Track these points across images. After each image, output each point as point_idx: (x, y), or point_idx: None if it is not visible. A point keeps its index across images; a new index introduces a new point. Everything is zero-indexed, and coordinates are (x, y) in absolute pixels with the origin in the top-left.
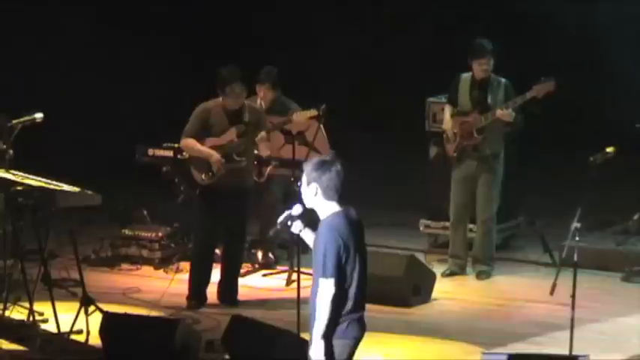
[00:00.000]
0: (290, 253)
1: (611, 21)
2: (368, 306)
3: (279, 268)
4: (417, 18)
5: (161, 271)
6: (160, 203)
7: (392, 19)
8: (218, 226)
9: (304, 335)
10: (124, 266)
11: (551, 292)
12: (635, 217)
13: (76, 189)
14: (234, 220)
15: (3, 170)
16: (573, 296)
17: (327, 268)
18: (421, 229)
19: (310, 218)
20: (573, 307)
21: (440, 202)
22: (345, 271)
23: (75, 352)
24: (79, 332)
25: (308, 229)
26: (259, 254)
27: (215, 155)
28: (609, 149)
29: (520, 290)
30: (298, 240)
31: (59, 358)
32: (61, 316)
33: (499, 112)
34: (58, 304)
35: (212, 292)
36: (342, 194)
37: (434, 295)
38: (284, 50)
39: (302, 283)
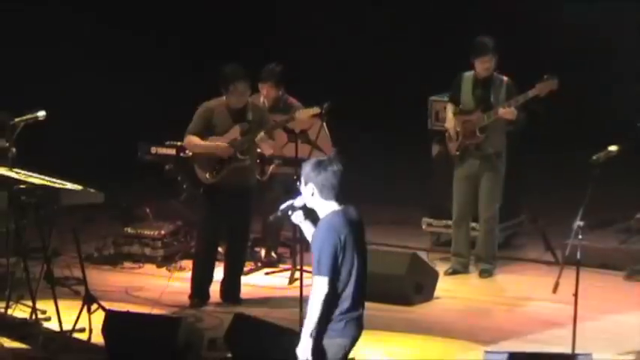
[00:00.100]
0: (293, 251)
1: (612, 19)
2: (370, 304)
3: (282, 266)
4: (419, 17)
5: (164, 269)
6: (162, 201)
7: (392, 17)
8: (221, 224)
9: None
10: (127, 264)
11: (554, 291)
12: (638, 215)
13: (79, 187)
14: (238, 218)
15: (6, 168)
16: (576, 295)
17: (322, 266)
18: (424, 227)
19: (313, 216)
20: (576, 306)
21: (442, 201)
22: (341, 270)
23: (77, 351)
24: (82, 330)
25: (308, 222)
26: (262, 252)
27: (221, 145)
28: (612, 148)
29: (523, 289)
30: (301, 238)
31: (62, 357)
32: (64, 315)
33: (502, 111)
34: (60, 303)
35: (215, 290)
36: (344, 193)
37: (436, 293)
38: (285, 48)
39: (304, 282)
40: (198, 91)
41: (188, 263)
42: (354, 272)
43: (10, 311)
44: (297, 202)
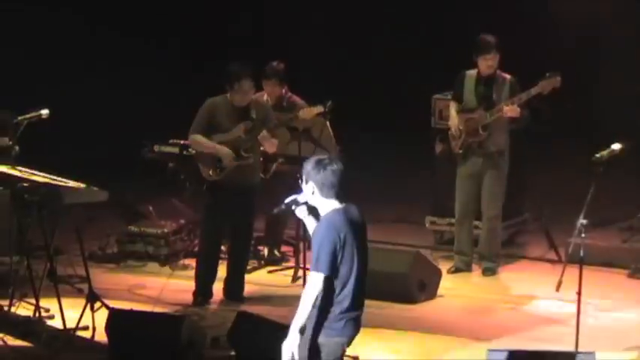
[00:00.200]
0: (296, 249)
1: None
2: (374, 302)
3: (285, 264)
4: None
5: (167, 267)
6: (165, 199)
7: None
8: (225, 222)
9: None
10: (130, 263)
11: (557, 289)
12: None
13: (82, 185)
14: (241, 216)
15: (9, 166)
16: (579, 293)
17: (320, 262)
18: (427, 225)
19: (316, 212)
20: (579, 304)
21: (446, 199)
22: (341, 268)
23: (81, 349)
24: (85, 328)
25: (311, 217)
26: (265, 251)
27: (224, 149)
28: (615, 146)
29: (526, 287)
30: (304, 237)
31: (65, 355)
32: (67, 313)
33: (505, 109)
34: (63, 301)
35: (218, 288)
36: (345, 191)
37: (439, 291)
38: (286, 47)
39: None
40: (200, 90)
41: (191, 261)
42: (354, 271)
43: (13, 309)
44: (301, 197)
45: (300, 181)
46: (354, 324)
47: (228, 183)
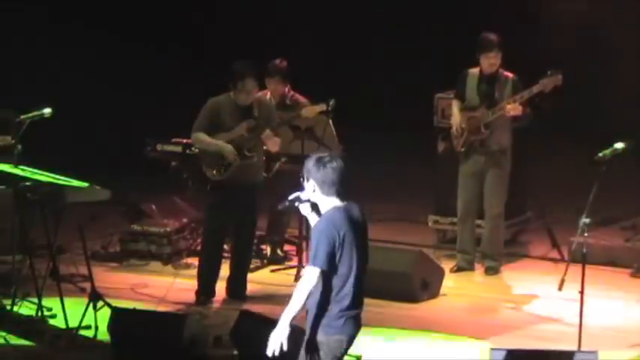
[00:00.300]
0: (299, 248)
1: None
2: (376, 301)
3: (288, 263)
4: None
5: (169, 266)
6: (168, 198)
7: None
8: (227, 221)
9: None
10: (133, 262)
11: (560, 288)
12: None
13: (85, 184)
14: (244, 215)
15: (12, 165)
16: (582, 292)
17: (317, 257)
18: (429, 224)
19: (319, 209)
20: (582, 303)
21: (448, 198)
22: (340, 266)
23: (83, 348)
24: (88, 327)
25: (315, 214)
26: (268, 250)
27: (227, 147)
28: (618, 145)
29: (528, 286)
30: (307, 236)
31: (67, 354)
32: (70, 312)
33: (507, 107)
34: (66, 300)
35: (221, 287)
36: (346, 189)
37: (442, 290)
38: (287, 45)
39: None
40: (203, 88)
41: (194, 260)
42: (353, 270)
43: (16, 308)
44: (304, 194)
45: (301, 179)
46: (354, 322)
47: (231, 182)
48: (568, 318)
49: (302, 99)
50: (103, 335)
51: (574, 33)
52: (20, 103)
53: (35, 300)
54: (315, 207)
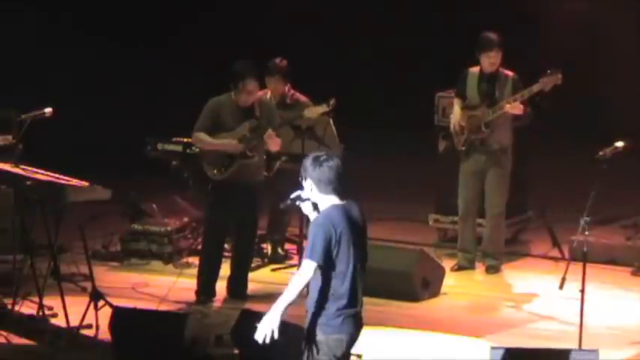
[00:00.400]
0: (299, 247)
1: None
2: (377, 300)
3: (289, 262)
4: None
5: (170, 265)
6: (168, 198)
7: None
8: (228, 220)
9: None
10: (134, 261)
11: (561, 287)
12: None
13: (86, 183)
14: (245, 215)
15: (12, 165)
16: (583, 291)
17: (313, 251)
18: (430, 223)
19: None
20: (582, 302)
21: (449, 197)
22: (337, 264)
23: (84, 347)
24: (89, 327)
25: (316, 213)
26: (268, 249)
27: (231, 142)
28: (618, 143)
29: (529, 284)
30: (307, 235)
31: (68, 353)
32: (71, 311)
33: (507, 106)
34: (67, 299)
35: (222, 286)
36: (344, 187)
37: (443, 289)
38: (286, 44)
39: None
40: (204, 88)
41: (195, 260)
42: (351, 269)
43: (17, 308)
44: (304, 193)
45: (300, 179)
46: (354, 321)
47: (232, 181)
48: (569, 317)
49: (302, 98)
50: (104, 335)
51: (574, 32)
52: (21, 103)
53: (36, 299)
54: (316, 206)
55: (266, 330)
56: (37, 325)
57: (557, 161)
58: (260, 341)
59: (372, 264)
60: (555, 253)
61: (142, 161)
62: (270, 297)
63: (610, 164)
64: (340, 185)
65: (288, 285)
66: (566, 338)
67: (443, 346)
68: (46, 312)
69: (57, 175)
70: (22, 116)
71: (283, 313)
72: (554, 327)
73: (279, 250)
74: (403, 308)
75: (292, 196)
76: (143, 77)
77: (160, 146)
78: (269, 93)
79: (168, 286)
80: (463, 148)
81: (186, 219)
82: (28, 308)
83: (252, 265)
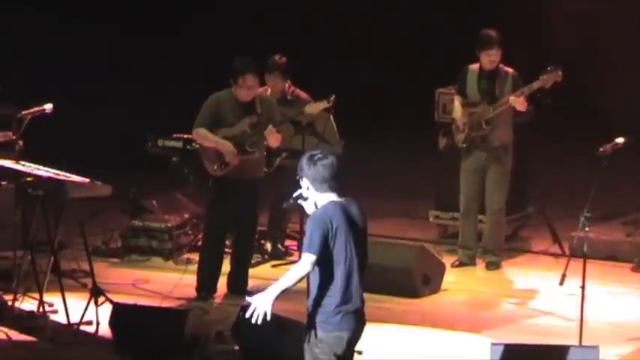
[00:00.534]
0: (300, 243)
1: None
2: (378, 296)
3: (289, 259)
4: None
5: (171, 262)
6: (168, 194)
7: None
8: (229, 216)
9: None
10: (134, 257)
11: (561, 283)
12: None
13: (86, 180)
14: (245, 211)
15: (13, 161)
16: (583, 287)
17: (311, 244)
18: (431, 219)
19: None
20: (583, 298)
21: (449, 193)
22: (334, 259)
23: (85, 343)
24: (89, 323)
25: None
26: (269, 245)
27: (228, 145)
28: (619, 140)
29: (529, 281)
30: None
31: (69, 349)
32: (71, 307)
33: (512, 98)
34: (67, 295)
35: (222, 283)
36: (346, 185)
37: (443, 285)
38: (286, 41)
39: None
40: (204, 84)
41: (195, 256)
42: (350, 266)
43: (17, 304)
44: (304, 192)
45: (297, 178)
46: (354, 318)
47: (233, 178)
48: (569, 313)
49: (303, 94)
50: (105, 331)
51: (574, 30)
52: (21, 99)
53: (37, 295)
54: (317, 205)
55: (257, 310)
56: (37, 322)
57: (557, 158)
58: (247, 316)
59: (373, 260)
60: (556, 249)
61: (142, 158)
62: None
63: (610, 160)
64: (337, 183)
65: (286, 273)
66: (566, 334)
67: (443, 343)
68: (47, 308)
69: (57, 172)
70: (23, 112)
71: (276, 298)
72: (554, 323)
73: (280, 247)
74: (403, 304)
75: (294, 195)
76: (143, 74)
77: (160, 142)
78: (269, 90)
79: (173, 283)
80: (464, 146)
81: (186, 215)
82: (28, 304)
83: (253, 261)
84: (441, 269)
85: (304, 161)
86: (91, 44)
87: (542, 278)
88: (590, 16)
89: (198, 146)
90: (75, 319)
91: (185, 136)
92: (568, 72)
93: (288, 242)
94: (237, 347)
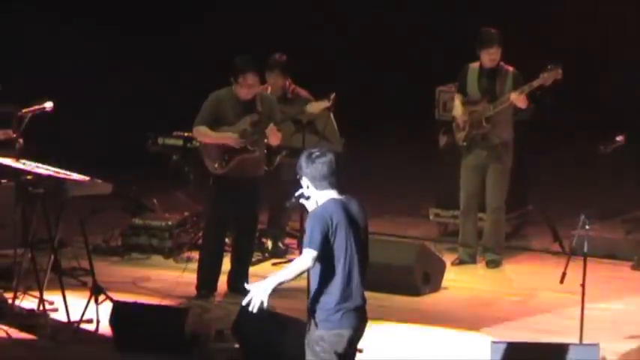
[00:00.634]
0: (300, 242)
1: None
2: (378, 294)
3: (289, 257)
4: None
5: (171, 260)
6: (168, 192)
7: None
8: (229, 215)
9: None
10: (134, 255)
11: (561, 281)
12: None
13: (87, 178)
14: (246, 209)
15: (13, 159)
16: (583, 285)
17: (312, 240)
18: (431, 217)
19: None
20: (583, 296)
21: (450, 191)
22: (334, 256)
23: (85, 341)
24: (89, 321)
25: None
26: (269, 243)
27: (231, 136)
28: (619, 138)
29: (530, 279)
30: None
31: (69, 347)
32: (71, 305)
33: (514, 95)
34: (68, 293)
35: (222, 281)
36: (346, 183)
37: (443, 283)
38: (286, 38)
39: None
40: (204, 81)
41: (196, 254)
42: (350, 263)
43: (17, 302)
44: (305, 191)
45: (298, 177)
46: (356, 315)
47: (233, 176)
48: (569, 311)
49: (303, 92)
50: (105, 329)
51: (574, 28)
52: (22, 97)
53: (37, 294)
54: (318, 203)
55: (254, 299)
56: (37, 320)
57: (557, 156)
58: (244, 304)
59: (373, 258)
60: (556, 247)
61: (142, 156)
62: (271, 292)
63: (610, 158)
64: (336, 180)
65: (287, 266)
66: (566, 332)
67: (444, 341)
68: (47, 306)
69: (57, 170)
70: (23, 111)
71: (275, 289)
72: (554, 321)
73: (280, 245)
74: (404, 302)
75: (296, 194)
76: (143, 72)
77: (160, 141)
78: (269, 88)
79: (172, 281)
80: (464, 144)
81: (186, 213)
82: (28, 302)
83: (253, 259)
84: (441, 267)
85: (303, 160)
86: (91, 44)
87: (543, 276)
88: (590, 15)
89: (198, 144)
90: (75, 317)
91: (185, 134)
92: (568, 70)
93: (288, 240)
94: (237, 345)
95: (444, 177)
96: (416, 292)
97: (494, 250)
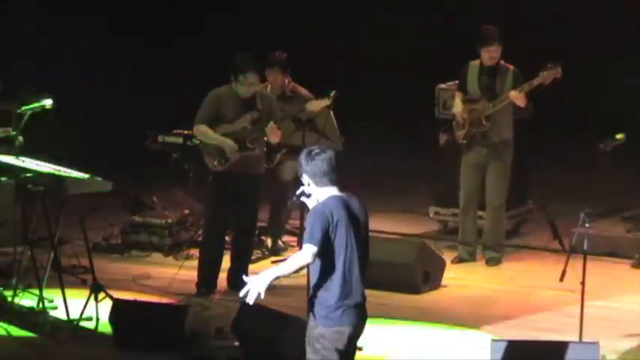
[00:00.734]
0: (299, 239)
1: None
2: (378, 292)
3: (289, 254)
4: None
5: (171, 257)
6: (168, 190)
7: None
8: (229, 212)
9: None
10: (134, 253)
11: (561, 279)
12: None
13: (86, 175)
14: (245, 207)
15: (13, 157)
16: (583, 283)
17: (312, 236)
18: (431, 215)
19: None
20: (583, 294)
21: (450, 189)
22: (334, 253)
23: (84, 339)
24: (89, 319)
25: None
26: (269, 241)
27: (229, 143)
28: (619, 135)
29: (530, 277)
30: None
31: (69, 345)
32: (71, 303)
33: (512, 95)
34: (67, 291)
35: (222, 278)
36: (346, 180)
37: (443, 281)
38: (286, 36)
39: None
40: (204, 79)
41: (195, 252)
42: (349, 260)
43: (17, 299)
44: (306, 189)
45: (298, 175)
46: (356, 312)
47: (232, 173)
48: (569, 309)
49: (302, 90)
50: (105, 327)
51: (574, 26)
52: (21, 95)
53: (36, 291)
54: (319, 200)
55: (252, 291)
56: (37, 317)
57: (557, 154)
58: (241, 296)
59: (373, 256)
60: (556, 245)
61: (142, 154)
62: (270, 289)
63: (610, 156)
64: (337, 176)
65: (287, 260)
66: (566, 330)
67: (443, 339)
68: (47, 304)
69: (57, 167)
70: (22, 108)
71: (273, 284)
72: (554, 319)
73: (280, 242)
74: (404, 300)
75: (298, 192)
76: (143, 70)
77: (160, 138)
78: (269, 86)
79: (169, 278)
80: (464, 142)
81: (186, 211)
82: (28, 300)
83: (253, 257)
84: (441, 265)
85: (303, 157)
86: (91, 40)
87: (543, 274)
88: (590, 15)
89: (198, 142)
90: (75, 314)
91: (185, 132)
92: (568, 69)
93: (288, 238)
94: (237, 343)
95: (444, 175)
96: (416, 290)
97: (494, 248)
